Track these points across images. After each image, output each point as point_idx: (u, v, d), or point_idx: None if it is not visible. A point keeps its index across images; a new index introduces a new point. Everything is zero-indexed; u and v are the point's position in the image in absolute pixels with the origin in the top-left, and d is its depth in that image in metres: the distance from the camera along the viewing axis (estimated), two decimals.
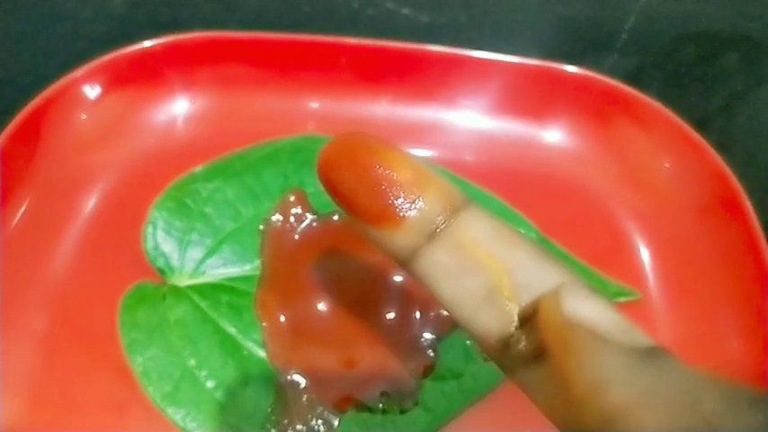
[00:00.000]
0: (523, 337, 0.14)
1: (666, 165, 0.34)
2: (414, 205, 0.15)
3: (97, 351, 0.29)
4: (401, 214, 0.15)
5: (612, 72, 0.36)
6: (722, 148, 0.33)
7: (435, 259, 0.15)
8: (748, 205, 0.31)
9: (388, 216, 0.15)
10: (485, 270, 0.15)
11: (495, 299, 0.15)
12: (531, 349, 0.14)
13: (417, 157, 0.16)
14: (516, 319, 0.15)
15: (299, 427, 0.28)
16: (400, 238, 0.15)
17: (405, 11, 0.43)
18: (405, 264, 0.16)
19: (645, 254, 0.33)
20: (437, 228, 0.15)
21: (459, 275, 0.15)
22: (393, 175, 0.15)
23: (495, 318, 0.15)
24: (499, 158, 0.36)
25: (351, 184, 0.16)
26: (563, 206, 0.35)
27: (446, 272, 0.15)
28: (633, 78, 0.41)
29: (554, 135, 0.37)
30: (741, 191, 0.31)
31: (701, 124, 0.34)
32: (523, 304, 0.15)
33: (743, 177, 0.32)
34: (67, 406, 0.28)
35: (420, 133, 0.37)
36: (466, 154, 0.36)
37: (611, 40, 0.43)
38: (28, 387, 0.28)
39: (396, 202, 0.15)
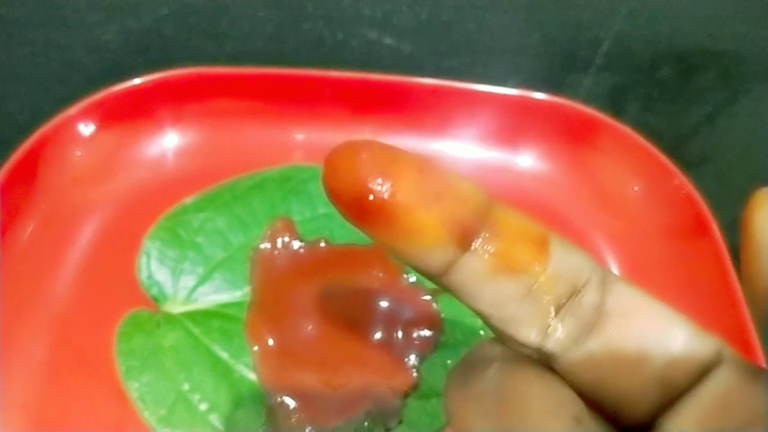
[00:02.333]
0: (560, 324, 0.15)
1: (636, 188, 0.36)
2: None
3: (95, 377, 0.31)
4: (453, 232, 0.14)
5: (589, 95, 0.38)
6: (698, 166, 0.34)
7: (474, 267, 0.15)
8: (715, 226, 0.32)
9: (445, 233, 0.14)
10: (522, 271, 0.15)
11: (533, 295, 0.15)
12: (570, 334, 0.15)
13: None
14: (553, 309, 0.15)
15: None
16: (441, 253, 0.15)
17: (387, 41, 0.44)
18: (437, 276, 0.15)
19: (615, 272, 0.35)
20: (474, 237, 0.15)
21: (498, 280, 0.15)
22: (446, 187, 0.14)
23: (533, 313, 0.15)
24: (479, 184, 0.38)
25: (404, 197, 0.14)
26: None
27: (485, 278, 0.15)
28: (610, 100, 0.43)
29: (527, 160, 0.38)
30: (708, 212, 0.33)
31: (677, 143, 0.35)
32: (559, 293, 0.15)
33: (717, 195, 0.33)
34: (69, 425, 0.29)
35: None
36: None
37: (587, 64, 0.45)
38: (27, 413, 0.29)
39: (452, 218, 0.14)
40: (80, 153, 0.36)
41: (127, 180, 0.37)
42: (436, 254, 0.14)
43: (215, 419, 0.30)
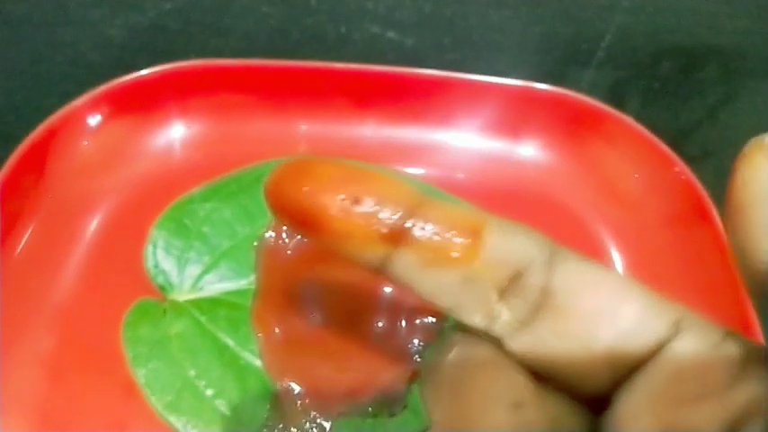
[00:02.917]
0: (505, 308, 0.15)
1: (636, 176, 0.36)
2: (388, 216, 0.15)
3: (102, 366, 0.31)
4: (382, 230, 0.15)
5: (591, 89, 0.38)
6: (699, 160, 0.35)
7: (407, 261, 0.15)
8: (715, 213, 0.33)
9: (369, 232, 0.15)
10: (454, 260, 0.15)
11: (472, 282, 0.15)
12: (516, 316, 0.15)
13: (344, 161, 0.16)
14: (495, 293, 0.15)
15: (293, 429, 0.30)
16: (373, 252, 0.15)
17: (390, 34, 0.45)
18: (378, 271, 0.16)
19: (618, 261, 0.35)
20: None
21: (433, 271, 0.15)
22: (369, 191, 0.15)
23: (475, 298, 0.15)
24: (481, 175, 0.38)
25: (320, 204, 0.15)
26: (540, 218, 0.36)
27: (420, 271, 0.15)
28: (612, 95, 0.43)
29: (529, 150, 0.39)
30: (708, 199, 0.33)
31: (678, 138, 0.35)
32: (499, 278, 0.15)
33: (719, 189, 0.34)
34: (74, 419, 0.30)
35: (406, 153, 0.39)
36: (451, 171, 0.38)
37: (588, 59, 0.45)
38: (35, 401, 0.30)
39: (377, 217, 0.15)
40: (87, 143, 0.36)
41: (134, 170, 0.37)
42: (368, 253, 0.15)
43: (221, 405, 0.30)
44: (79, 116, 0.36)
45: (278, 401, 0.31)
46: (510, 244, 0.15)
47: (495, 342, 0.16)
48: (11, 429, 0.29)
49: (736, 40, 0.47)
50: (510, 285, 0.15)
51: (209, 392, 0.31)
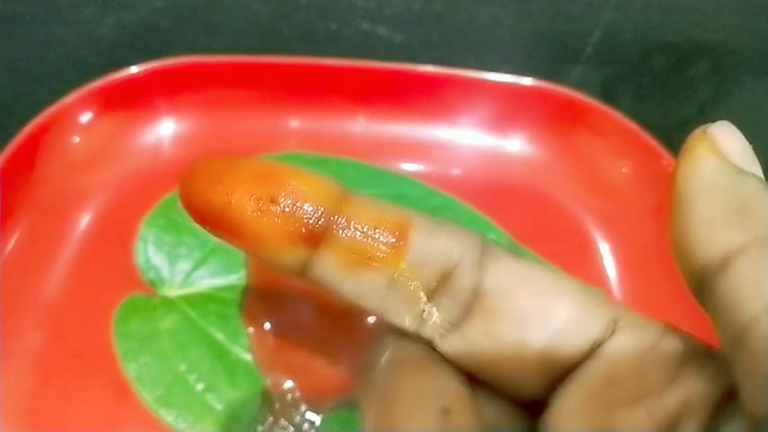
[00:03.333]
0: (435, 309, 0.15)
1: (624, 169, 0.37)
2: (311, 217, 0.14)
3: (93, 362, 0.31)
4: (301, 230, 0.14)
5: (581, 84, 0.38)
6: None
7: (329, 263, 0.15)
8: None
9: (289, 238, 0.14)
10: (379, 262, 0.15)
11: (398, 283, 0.15)
12: (446, 318, 0.15)
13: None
14: (423, 295, 0.15)
15: (283, 423, 0.30)
16: (290, 255, 0.15)
17: (380, 31, 0.45)
18: (298, 275, 0.15)
19: (605, 253, 0.36)
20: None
21: (356, 273, 0.15)
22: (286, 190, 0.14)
23: (402, 300, 0.15)
24: (470, 169, 0.38)
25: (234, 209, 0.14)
26: (530, 212, 0.37)
27: (342, 273, 0.15)
28: (602, 92, 0.43)
29: (517, 145, 0.39)
30: None
31: (669, 135, 0.36)
32: (427, 278, 0.15)
33: None
34: (66, 417, 0.30)
35: (396, 147, 0.39)
36: (442, 166, 0.39)
37: (578, 53, 0.45)
38: (26, 398, 0.30)
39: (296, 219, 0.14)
40: (78, 140, 0.36)
41: (124, 167, 0.37)
42: (286, 257, 0.14)
43: (212, 399, 0.30)
44: (70, 113, 0.36)
45: (268, 395, 0.31)
46: (437, 243, 0.15)
47: (428, 344, 0.15)
48: (2, 429, 0.29)
49: (724, 36, 0.47)
50: (439, 286, 0.15)
51: (199, 387, 0.31)
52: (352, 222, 0.14)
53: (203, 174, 0.15)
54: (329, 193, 0.15)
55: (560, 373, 0.15)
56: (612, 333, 0.15)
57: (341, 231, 0.14)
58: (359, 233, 0.14)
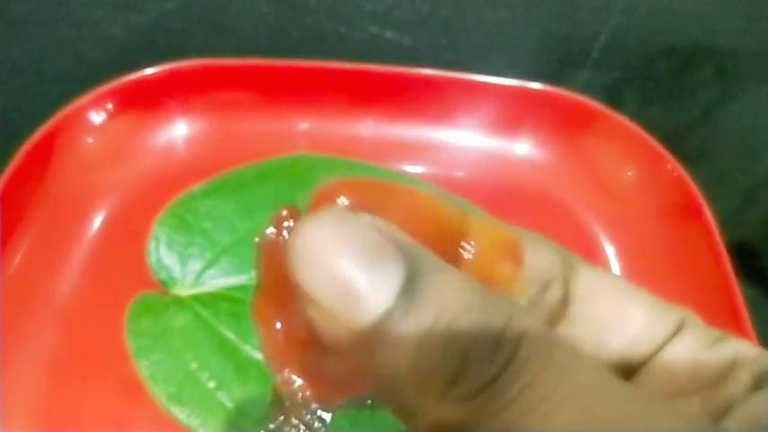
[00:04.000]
0: None
1: (629, 173, 0.37)
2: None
3: (105, 360, 0.32)
4: None
5: (586, 89, 0.38)
6: (695, 161, 0.35)
7: None
8: (706, 209, 0.33)
9: None
10: (500, 284, 0.15)
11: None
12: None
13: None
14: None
15: (294, 422, 0.30)
16: None
17: (388, 34, 0.45)
18: None
19: (611, 255, 0.36)
20: None
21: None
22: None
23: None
24: (477, 172, 0.39)
25: None
26: (536, 214, 0.37)
27: None
28: (607, 94, 0.44)
29: (524, 148, 0.40)
30: (699, 195, 0.34)
31: (674, 138, 0.36)
32: (531, 295, 0.15)
33: (715, 190, 0.34)
34: (77, 414, 0.30)
35: (403, 150, 0.39)
36: (449, 169, 0.39)
37: (584, 58, 0.46)
38: (40, 394, 0.31)
39: None
40: (91, 140, 0.37)
41: (137, 167, 0.38)
42: None
43: (223, 397, 0.31)
44: (83, 113, 0.36)
45: (278, 393, 0.31)
46: (541, 260, 0.15)
47: None
48: (13, 428, 0.30)
49: (730, 41, 0.47)
50: (535, 298, 0.15)
51: (210, 384, 0.31)
52: (477, 243, 0.14)
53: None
54: (456, 216, 0.14)
55: (630, 371, 0.16)
56: (675, 335, 0.15)
57: (466, 254, 0.14)
58: (484, 255, 0.14)
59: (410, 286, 0.12)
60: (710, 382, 0.15)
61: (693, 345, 0.15)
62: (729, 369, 0.15)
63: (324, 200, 0.14)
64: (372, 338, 0.12)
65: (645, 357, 0.16)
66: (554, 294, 0.15)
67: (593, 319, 0.16)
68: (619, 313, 0.16)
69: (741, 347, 0.15)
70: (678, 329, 0.15)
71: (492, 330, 0.12)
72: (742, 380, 0.14)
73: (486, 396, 0.11)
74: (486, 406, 0.12)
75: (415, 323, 0.12)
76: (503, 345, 0.12)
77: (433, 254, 0.13)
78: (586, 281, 0.16)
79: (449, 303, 0.12)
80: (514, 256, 0.15)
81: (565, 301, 0.16)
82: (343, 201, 0.14)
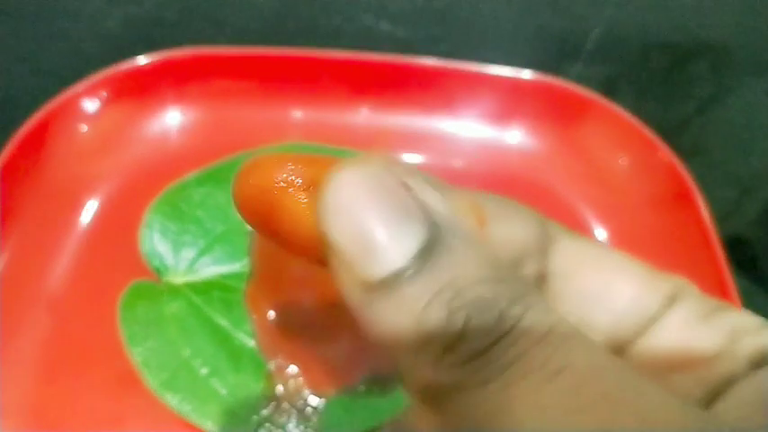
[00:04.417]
0: None
1: (621, 160, 0.37)
2: None
3: (98, 347, 0.32)
4: None
5: (581, 82, 0.39)
6: (690, 156, 0.35)
7: None
8: (697, 195, 0.34)
9: None
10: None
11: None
12: None
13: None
14: None
15: (286, 407, 0.30)
16: None
17: (383, 26, 0.45)
18: None
19: (603, 240, 0.36)
20: None
21: None
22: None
23: None
24: (471, 160, 0.39)
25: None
26: (529, 201, 0.37)
27: None
28: (603, 87, 0.44)
29: (517, 136, 0.40)
30: (690, 182, 0.34)
31: (669, 130, 0.36)
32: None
33: (710, 184, 0.34)
34: (72, 397, 0.31)
35: (397, 139, 0.39)
36: (444, 157, 0.39)
37: (578, 50, 0.46)
38: (33, 376, 0.31)
39: None
40: (86, 128, 0.37)
41: (130, 155, 0.38)
42: None
43: (216, 383, 0.31)
44: (78, 102, 0.36)
45: (271, 380, 0.31)
46: (510, 231, 0.14)
47: None
48: (14, 403, 0.30)
49: (724, 35, 0.47)
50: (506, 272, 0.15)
51: (203, 371, 0.31)
52: None
53: (245, 173, 0.15)
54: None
55: (620, 346, 0.15)
56: (669, 307, 0.15)
57: None
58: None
59: (427, 250, 0.12)
60: (706, 357, 0.14)
61: (687, 317, 0.15)
62: (728, 344, 0.14)
63: (256, 171, 0.15)
64: (380, 293, 0.12)
65: (635, 332, 0.15)
66: (529, 269, 0.15)
67: (576, 293, 0.15)
68: (604, 286, 0.15)
69: (740, 320, 0.14)
70: (671, 301, 0.15)
71: (497, 304, 0.12)
72: (740, 356, 0.14)
73: (478, 364, 0.12)
74: (476, 374, 0.12)
75: (424, 287, 0.12)
76: (504, 319, 0.12)
77: (466, 223, 0.13)
78: (568, 253, 0.15)
79: (460, 274, 0.12)
80: (480, 224, 0.14)
81: (543, 276, 0.15)
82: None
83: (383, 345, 0.12)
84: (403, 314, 0.12)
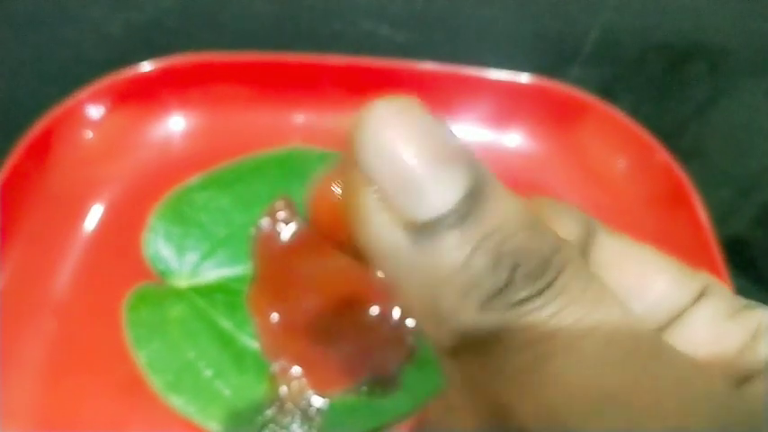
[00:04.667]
0: None
1: (619, 162, 0.38)
2: None
3: (103, 350, 0.32)
4: None
5: (579, 85, 0.39)
6: (688, 158, 0.36)
7: None
8: (695, 197, 0.34)
9: None
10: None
11: None
12: None
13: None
14: None
15: (290, 408, 0.31)
16: None
17: (383, 31, 0.45)
18: None
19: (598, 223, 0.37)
20: None
21: None
22: None
23: None
24: None
25: None
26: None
27: None
28: (601, 91, 0.44)
29: (516, 139, 0.40)
30: (688, 183, 0.34)
31: (666, 133, 0.37)
32: None
33: (709, 187, 0.35)
34: (78, 399, 0.31)
35: None
36: None
37: (575, 54, 0.46)
38: (39, 380, 0.31)
39: None
40: (90, 134, 0.37)
41: (134, 160, 0.38)
42: None
43: (220, 385, 0.31)
44: (82, 108, 0.37)
45: (274, 381, 0.32)
46: (560, 227, 0.15)
47: None
48: (18, 424, 0.30)
49: (722, 37, 0.47)
50: None
51: (208, 373, 0.32)
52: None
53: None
54: None
55: None
56: (697, 302, 0.15)
57: None
58: None
59: (473, 196, 0.12)
60: (731, 352, 0.15)
61: (715, 313, 0.15)
62: (752, 340, 0.14)
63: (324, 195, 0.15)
64: (424, 235, 0.12)
65: (664, 323, 0.15)
66: None
67: (612, 284, 0.15)
68: (638, 278, 0.15)
69: (766, 318, 0.15)
70: (700, 296, 0.15)
71: (541, 254, 0.12)
72: (763, 350, 0.14)
73: (522, 310, 0.12)
74: (519, 320, 0.12)
75: (473, 231, 0.12)
76: (549, 269, 0.12)
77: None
78: (606, 248, 0.16)
79: (506, 221, 0.12)
80: None
81: None
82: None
83: (419, 291, 0.13)
84: (448, 258, 0.12)
